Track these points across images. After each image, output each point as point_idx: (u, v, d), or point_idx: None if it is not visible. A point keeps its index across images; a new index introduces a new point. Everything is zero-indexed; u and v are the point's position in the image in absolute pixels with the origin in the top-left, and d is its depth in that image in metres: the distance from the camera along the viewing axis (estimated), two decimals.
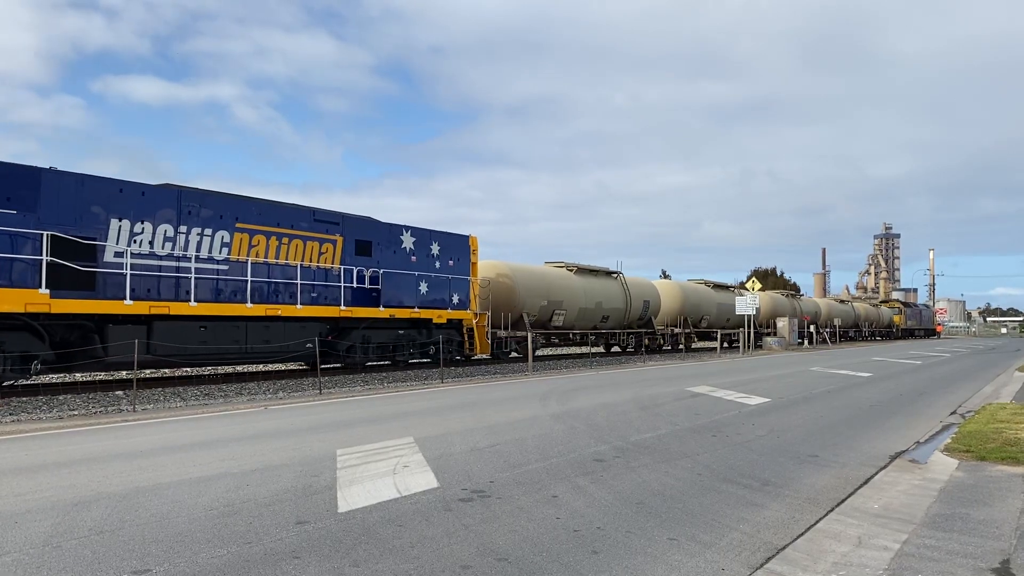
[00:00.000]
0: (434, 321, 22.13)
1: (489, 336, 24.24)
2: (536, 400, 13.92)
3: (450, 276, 22.76)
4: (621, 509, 6.02)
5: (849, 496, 6.63)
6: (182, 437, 9.71)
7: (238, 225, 17.23)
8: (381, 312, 20.27)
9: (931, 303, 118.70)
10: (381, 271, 20.46)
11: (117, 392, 15.16)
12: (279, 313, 17.73)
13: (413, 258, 21.71)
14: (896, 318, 78.80)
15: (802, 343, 48.27)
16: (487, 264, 26.74)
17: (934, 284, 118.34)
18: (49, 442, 9.38)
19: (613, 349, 35.59)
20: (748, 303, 38.45)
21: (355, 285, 19.86)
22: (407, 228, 21.76)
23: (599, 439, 9.34)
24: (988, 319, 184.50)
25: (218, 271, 16.78)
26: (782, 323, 46.75)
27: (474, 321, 23.65)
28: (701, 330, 41.06)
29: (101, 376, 17.86)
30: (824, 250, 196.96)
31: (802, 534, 5.45)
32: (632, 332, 34.38)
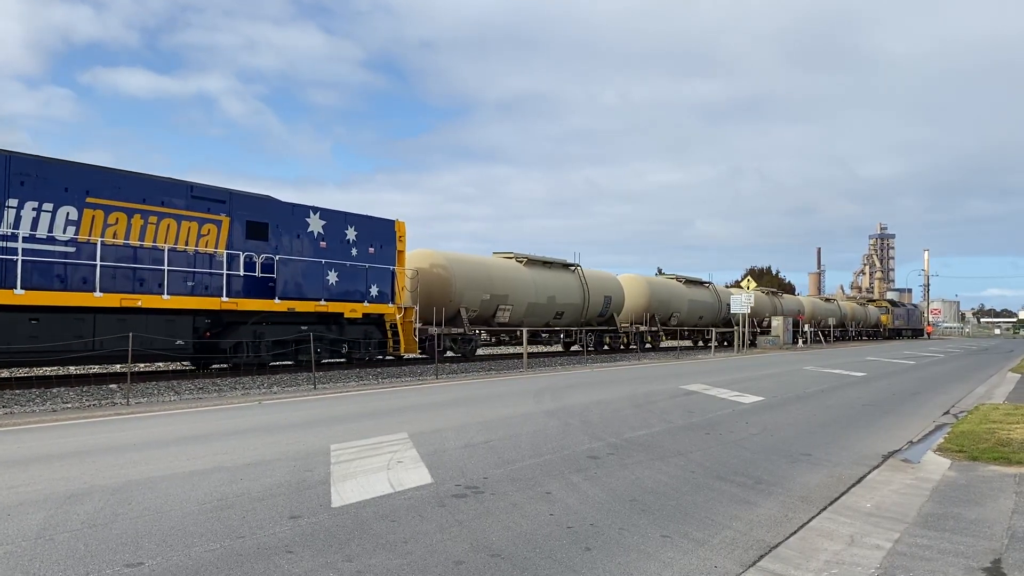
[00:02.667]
0: (346, 316, 19.66)
1: (417, 333, 21.99)
2: (530, 397, 13.93)
3: (368, 265, 20.24)
4: (614, 506, 6.03)
5: (842, 495, 6.65)
6: (176, 431, 9.69)
7: (89, 200, 14.64)
8: (276, 304, 17.76)
9: (926, 303, 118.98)
10: (277, 257, 17.91)
11: (111, 385, 15.13)
12: (139, 304, 15.18)
13: (323, 244, 19.22)
14: (884, 317, 76.91)
15: (796, 342, 48.39)
16: (420, 253, 24.50)
17: (928, 284, 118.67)
18: (42, 435, 9.36)
19: (573, 348, 32.94)
20: (742, 302, 38.52)
21: (243, 273, 17.30)
22: (315, 209, 19.27)
23: (593, 436, 9.35)
24: (982, 320, 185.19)
25: (63, 253, 14.25)
26: (777, 322, 46.87)
27: (398, 316, 21.09)
28: (670, 328, 38.73)
29: (95, 369, 17.80)
30: (819, 250, 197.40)
31: (795, 532, 5.46)
32: (592, 330, 31.72)
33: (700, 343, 42.46)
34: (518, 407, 12.33)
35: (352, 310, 19.75)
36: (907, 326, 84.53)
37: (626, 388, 15.88)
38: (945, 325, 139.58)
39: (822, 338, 53.88)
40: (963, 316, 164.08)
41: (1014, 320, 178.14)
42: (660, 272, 39.19)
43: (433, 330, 23.16)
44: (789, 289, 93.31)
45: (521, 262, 28.27)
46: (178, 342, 15.92)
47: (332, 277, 19.25)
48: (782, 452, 8.71)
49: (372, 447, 8.31)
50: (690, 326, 40.18)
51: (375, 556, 4.70)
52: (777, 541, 5.24)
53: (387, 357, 22.30)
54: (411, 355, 21.88)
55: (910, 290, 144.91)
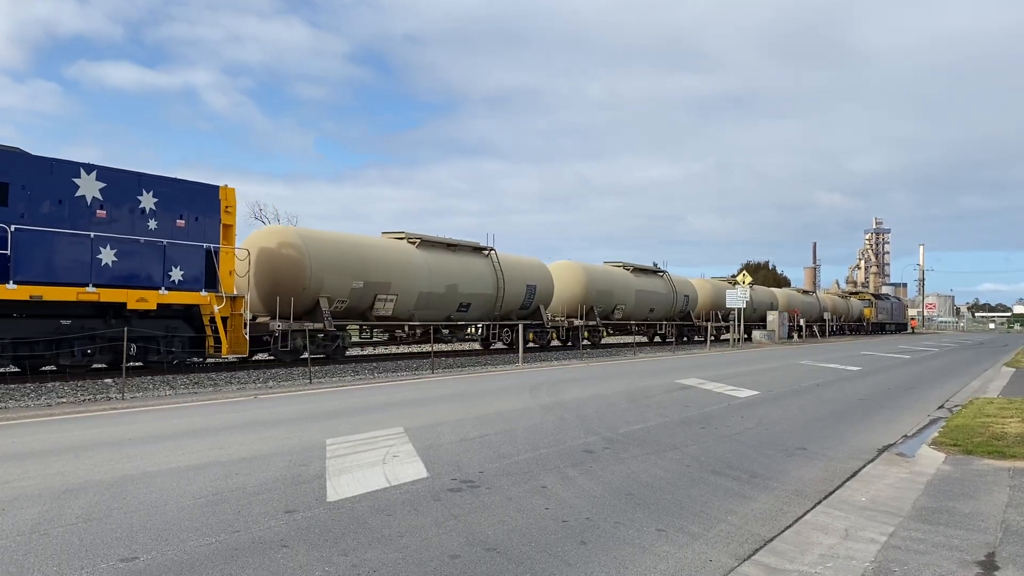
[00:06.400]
0: (131, 307, 15.26)
1: (248, 328, 17.57)
2: (526, 391, 13.94)
3: (167, 241, 15.80)
4: (610, 500, 6.04)
5: (837, 489, 6.66)
6: (171, 425, 9.68)
7: None
8: (11, 291, 13.47)
9: (921, 298, 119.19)
10: (12, 228, 13.44)
11: (106, 380, 15.09)
12: None
13: (100, 212, 14.80)
14: (867, 311, 73.50)
15: (791, 337, 48.52)
16: (269, 230, 20.66)
17: (923, 279, 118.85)
18: (37, 430, 9.34)
19: (495, 346, 28.30)
20: (738, 296, 38.57)
21: None
22: (91, 168, 14.76)
23: (589, 430, 9.36)
24: (976, 314, 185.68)
25: None
26: (772, 316, 46.95)
27: (217, 308, 16.61)
28: (616, 322, 34.24)
29: (207, 359, 17.53)
30: (815, 244, 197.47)
31: (790, 526, 5.48)
32: (509, 324, 27.33)
33: (656, 339, 38.79)
34: (514, 402, 12.34)
35: (141, 299, 15.36)
36: (891, 320, 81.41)
37: (622, 383, 15.90)
38: (940, 319, 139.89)
39: (817, 333, 54.02)
40: (958, 310, 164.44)
41: (1008, 314, 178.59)
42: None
43: (276, 325, 18.82)
44: (785, 283, 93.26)
45: (414, 243, 23.96)
46: None
47: (108, 256, 14.78)
48: (777, 446, 8.73)
49: (368, 441, 8.31)
50: (639, 320, 35.86)
51: (371, 550, 4.70)
52: (772, 535, 5.25)
53: (207, 360, 17.78)
54: (234, 356, 17.21)
55: (905, 284, 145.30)
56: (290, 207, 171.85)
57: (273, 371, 17.85)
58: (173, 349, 16.40)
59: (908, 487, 6.66)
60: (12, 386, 13.80)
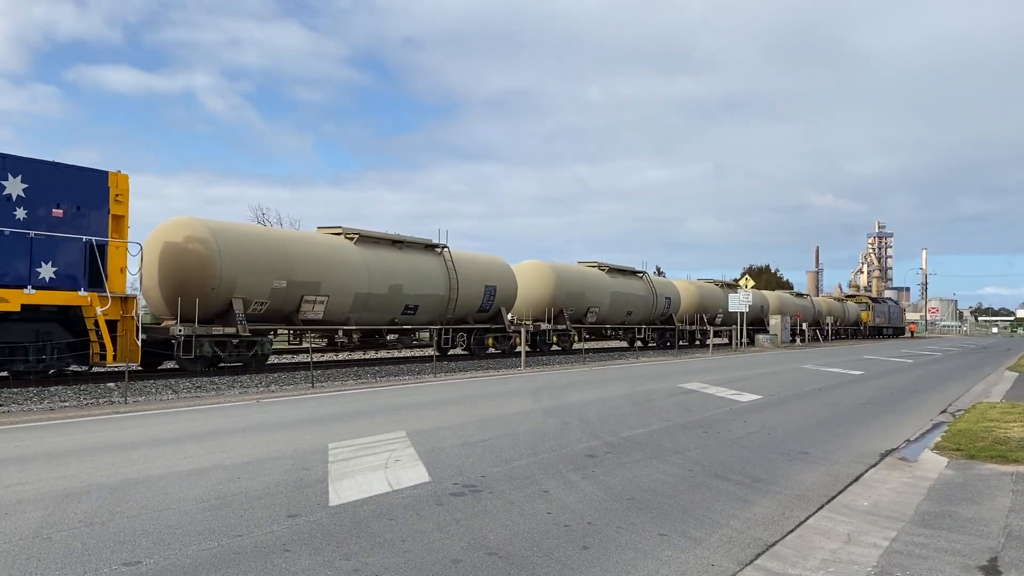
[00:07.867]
0: None
1: (140, 333, 15.08)
2: (528, 395, 13.94)
3: (35, 233, 13.66)
4: (612, 504, 6.04)
5: (839, 493, 6.66)
6: (173, 429, 9.69)
7: None
8: None
9: (924, 302, 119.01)
10: None
11: (108, 384, 15.11)
12: None
13: None
14: (864, 314, 71.96)
15: (794, 340, 48.49)
16: (175, 223, 17.97)
17: (926, 283, 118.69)
18: (40, 433, 9.35)
19: (454, 351, 26.21)
20: (740, 300, 38.55)
21: None
22: None
23: (591, 435, 9.35)
24: (979, 318, 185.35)
25: None
26: (775, 320, 46.91)
27: (100, 309, 14.39)
28: (589, 326, 32.02)
29: (93, 368, 17.66)
30: (817, 248, 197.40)
31: (792, 531, 5.47)
32: (465, 328, 25.25)
33: (638, 343, 36.74)
34: (516, 405, 12.34)
35: (0, 300, 13.30)
36: (888, 324, 79.43)
37: (624, 386, 15.89)
38: (943, 323, 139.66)
39: (819, 336, 53.96)
40: (961, 314, 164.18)
41: (1012, 318, 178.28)
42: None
43: (178, 330, 16.60)
44: (787, 287, 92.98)
45: (351, 239, 21.64)
46: None
47: None
48: (779, 450, 8.72)
49: (370, 445, 8.31)
50: (615, 323, 33.66)
51: (372, 555, 4.70)
52: (774, 539, 5.25)
53: (92, 369, 15.71)
54: (124, 365, 15.00)
55: (908, 288, 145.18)
56: (291, 210, 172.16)
57: (275, 375, 17.86)
58: (44, 357, 14.25)
59: (911, 491, 6.65)
60: (16, 390, 13.83)
